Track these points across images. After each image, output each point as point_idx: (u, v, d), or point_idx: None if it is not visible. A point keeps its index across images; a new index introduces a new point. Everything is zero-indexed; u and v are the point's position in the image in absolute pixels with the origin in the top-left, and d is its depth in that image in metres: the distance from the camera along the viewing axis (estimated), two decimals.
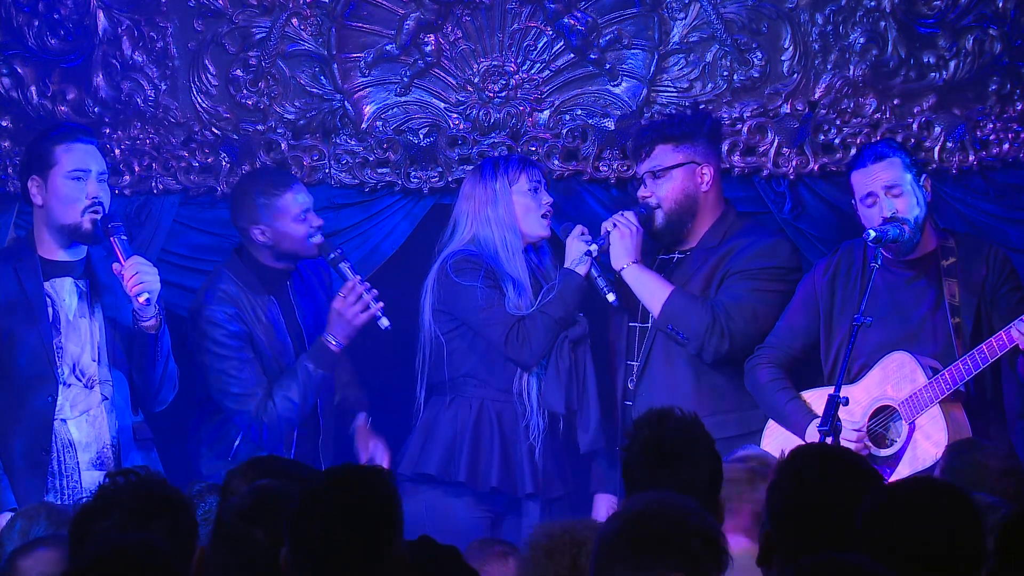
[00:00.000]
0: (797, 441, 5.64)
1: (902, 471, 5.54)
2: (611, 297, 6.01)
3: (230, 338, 6.07)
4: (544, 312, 6.00)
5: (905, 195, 5.69)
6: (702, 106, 6.41)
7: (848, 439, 5.53)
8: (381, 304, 6.06)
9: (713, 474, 3.77)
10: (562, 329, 6.02)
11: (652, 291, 5.98)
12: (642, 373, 6.05)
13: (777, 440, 5.72)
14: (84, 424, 5.83)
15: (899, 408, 5.60)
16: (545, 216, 6.14)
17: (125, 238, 5.78)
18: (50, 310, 5.83)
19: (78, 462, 5.82)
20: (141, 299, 5.68)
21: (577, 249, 6.06)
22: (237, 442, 6.17)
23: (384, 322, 6.04)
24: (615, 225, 6.04)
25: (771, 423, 5.86)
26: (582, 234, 6.08)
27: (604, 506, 6.11)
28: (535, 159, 6.42)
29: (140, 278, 5.67)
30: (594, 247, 6.03)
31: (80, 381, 5.83)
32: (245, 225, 6.16)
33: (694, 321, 5.89)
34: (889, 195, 5.68)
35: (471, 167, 6.40)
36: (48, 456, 5.77)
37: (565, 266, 6.07)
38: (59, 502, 5.69)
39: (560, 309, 6.00)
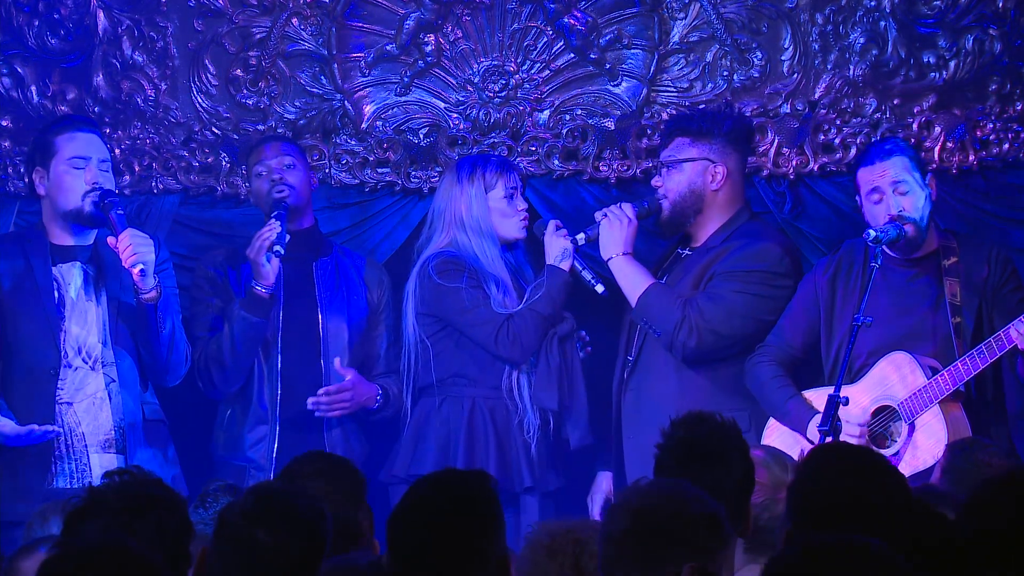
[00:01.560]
0: (797, 440, 5.65)
1: (904, 470, 5.53)
2: (599, 288, 6.00)
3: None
4: (533, 309, 5.99)
5: (911, 193, 5.69)
6: (707, 105, 6.38)
7: (851, 434, 5.53)
8: (275, 233, 5.98)
9: (745, 478, 3.73)
10: (551, 326, 6.02)
11: (633, 283, 5.98)
12: (634, 368, 6.05)
13: (778, 439, 5.72)
14: (91, 407, 5.87)
15: (899, 408, 5.60)
16: (520, 221, 6.13)
17: (122, 212, 5.84)
18: (56, 293, 5.88)
19: (86, 445, 5.85)
20: (136, 270, 5.72)
21: (557, 245, 6.05)
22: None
23: (277, 247, 5.97)
24: (605, 215, 6.04)
25: (772, 422, 5.85)
26: (558, 228, 6.07)
27: (604, 482, 6.14)
28: (512, 159, 6.40)
29: (134, 249, 5.72)
30: (581, 236, 6.03)
31: (86, 364, 5.87)
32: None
33: (665, 316, 5.88)
34: (896, 192, 5.68)
35: None
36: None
37: (548, 263, 6.06)
38: (68, 486, 5.76)
39: (548, 306, 6.00)
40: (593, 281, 6.00)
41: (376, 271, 6.39)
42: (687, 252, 6.09)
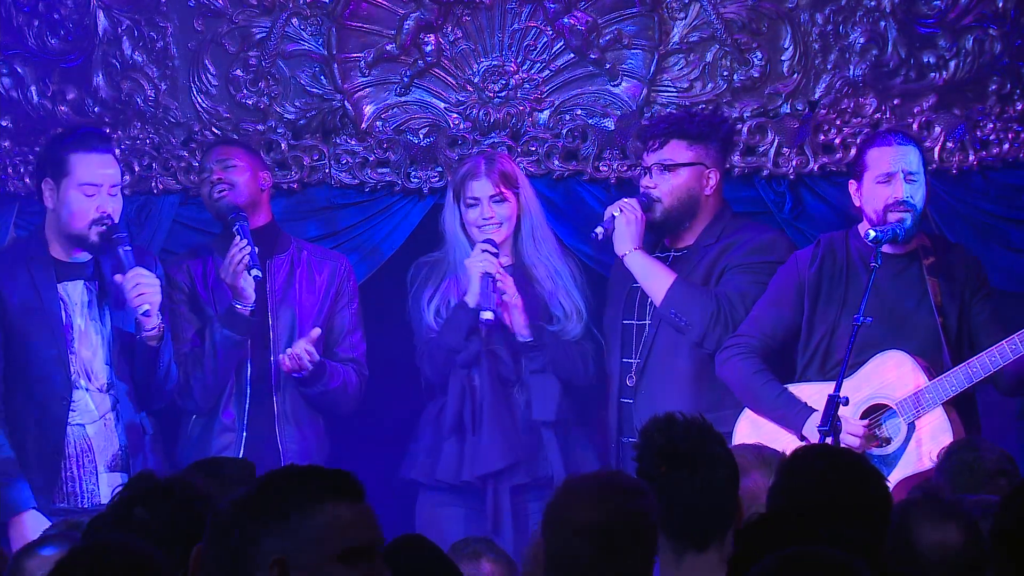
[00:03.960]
0: (770, 431, 5.62)
1: (904, 470, 5.53)
2: (485, 315, 5.90)
3: None
4: (438, 336, 6.10)
5: (919, 184, 5.74)
6: (702, 107, 6.39)
7: (853, 433, 5.51)
8: (246, 255, 5.96)
9: (730, 471, 3.72)
10: (453, 353, 6.07)
11: (656, 277, 5.98)
12: (642, 370, 6.04)
13: (752, 434, 5.67)
14: (102, 429, 5.86)
15: (896, 407, 5.59)
16: (483, 228, 6.09)
17: (129, 248, 5.84)
18: (63, 314, 5.86)
19: (96, 466, 5.85)
20: (141, 311, 5.75)
21: (472, 269, 6.04)
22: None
23: (255, 272, 5.96)
24: (621, 210, 6.03)
25: (744, 415, 5.80)
26: (482, 251, 6.01)
27: None
28: (488, 166, 6.28)
29: (140, 290, 5.74)
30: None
31: (95, 386, 5.86)
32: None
33: (697, 309, 5.89)
34: (907, 180, 5.71)
35: None
36: (60, 459, 5.78)
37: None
38: (78, 506, 5.75)
39: (446, 334, 6.08)
40: (483, 308, 5.94)
41: (332, 261, 6.33)
42: (673, 254, 6.09)
